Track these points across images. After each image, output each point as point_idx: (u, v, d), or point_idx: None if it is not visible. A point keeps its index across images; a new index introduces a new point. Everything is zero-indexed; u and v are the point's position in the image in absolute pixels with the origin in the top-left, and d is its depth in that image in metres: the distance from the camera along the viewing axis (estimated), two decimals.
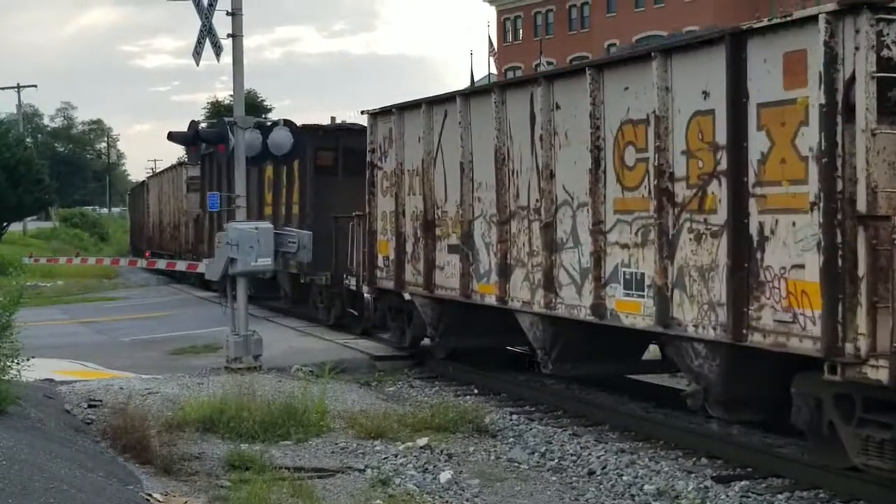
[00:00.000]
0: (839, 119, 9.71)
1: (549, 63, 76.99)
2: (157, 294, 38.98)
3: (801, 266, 10.16)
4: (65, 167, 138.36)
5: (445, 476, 11.46)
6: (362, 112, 19.98)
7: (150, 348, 22.65)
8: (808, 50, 10.04)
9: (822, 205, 9.80)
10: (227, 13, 18.29)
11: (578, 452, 12.68)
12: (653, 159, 12.12)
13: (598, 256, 13.13)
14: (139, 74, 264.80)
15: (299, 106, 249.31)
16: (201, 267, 25.92)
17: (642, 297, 12.40)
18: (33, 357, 16.66)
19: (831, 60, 9.72)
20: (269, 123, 19.31)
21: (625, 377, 16.02)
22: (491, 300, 15.61)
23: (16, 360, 11.93)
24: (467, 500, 10.87)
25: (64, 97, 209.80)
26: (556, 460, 12.48)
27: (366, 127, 20.08)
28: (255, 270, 18.05)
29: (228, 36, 18.30)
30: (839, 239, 9.70)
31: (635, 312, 12.54)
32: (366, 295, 20.20)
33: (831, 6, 9.72)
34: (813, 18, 9.95)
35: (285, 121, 19.28)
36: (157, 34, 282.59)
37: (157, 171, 61.02)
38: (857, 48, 9.58)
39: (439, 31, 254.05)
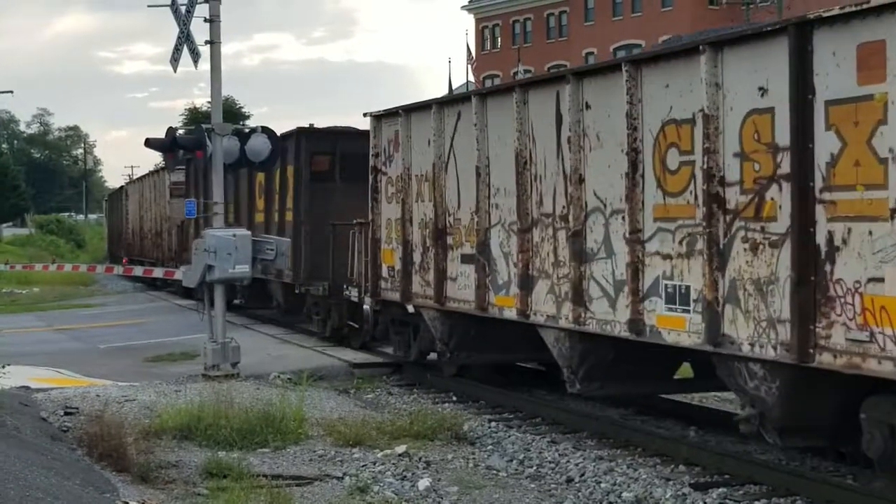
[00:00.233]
0: None
1: (527, 71, 76.92)
2: (135, 301, 38.76)
3: (880, 280, 9.15)
4: (41, 173, 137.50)
5: (424, 483, 11.40)
6: (365, 114, 18.97)
7: (127, 356, 22.68)
8: (888, 41, 9.08)
9: None
10: (205, 20, 18.18)
11: (557, 460, 12.59)
12: (700, 162, 11.07)
13: (636, 268, 12.08)
14: (116, 81, 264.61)
15: (277, 113, 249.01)
16: (178, 274, 25.30)
17: (687, 312, 11.36)
18: (9, 364, 16.43)
19: None
20: (247, 130, 19.19)
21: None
22: (511, 314, 14.55)
23: None
24: None
25: (40, 103, 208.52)
26: (535, 467, 12.38)
27: (365, 130, 19.27)
28: (233, 278, 17.95)
29: (206, 42, 18.19)
30: None
31: (679, 329, 11.49)
32: (365, 307, 19.17)
33: None
34: (893, 6, 9.01)
35: (263, 128, 19.09)
36: (134, 40, 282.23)
37: (134, 177, 60.07)
38: None
39: (418, 39, 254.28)
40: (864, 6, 9.30)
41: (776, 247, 10.24)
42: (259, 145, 18.61)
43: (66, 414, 14.20)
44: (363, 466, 12.06)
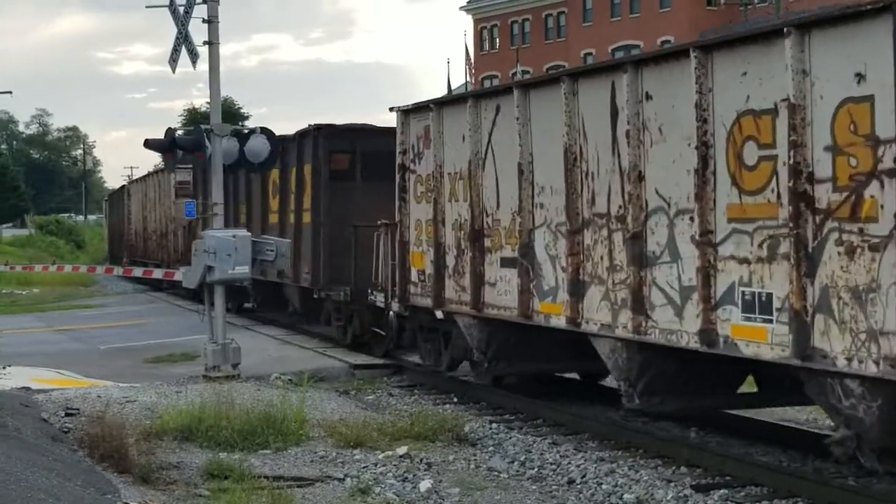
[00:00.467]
0: None
1: (525, 72, 76.90)
2: (135, 302, 38.63)
3: None
4: (40, 174, 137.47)
5: (425, 485, 11.38)
6: (391, 109, 17.99)
7: (128, 357, 22.60)
8: None
9: None
10: (204, 20, 18.10)
11: (558, 461, 12.54)
12: (785, 157, 10.04)
13: (707, 273, 11.07)
14: (115, 81, 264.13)
15: (276, 114, 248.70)
16: (178, 275, 25.29)
17: (769, 322, 10.34)
18: (10, 365, 16.34)
19: None
20: (245, 131, 19.16)
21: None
22: (559, 322, 13.55)
23: None
24: None
25: (39, 104, 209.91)
26: (536, 469, 12.33)
27: (385, 127, 18.41)
28: (233, 279, 17.84)
29: (205, 43, 18.18)
30: None
31: (759, 340, 10.47)
32: (390, 313, 18.28)
33: None
34: None
35: (262, 128, 19.05)
36: (132, 41, 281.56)
37: (134, 177, 59.72)
38: None
39: (416, 40, 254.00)
40: None
41: (877, 250, 9.26)
42: (258, 146, 18.54)
43: (67, 415, 14.15)
44: (364, 468, 12.02)
